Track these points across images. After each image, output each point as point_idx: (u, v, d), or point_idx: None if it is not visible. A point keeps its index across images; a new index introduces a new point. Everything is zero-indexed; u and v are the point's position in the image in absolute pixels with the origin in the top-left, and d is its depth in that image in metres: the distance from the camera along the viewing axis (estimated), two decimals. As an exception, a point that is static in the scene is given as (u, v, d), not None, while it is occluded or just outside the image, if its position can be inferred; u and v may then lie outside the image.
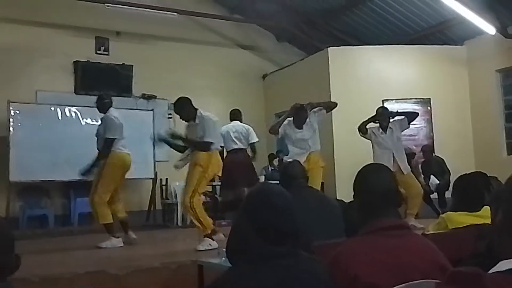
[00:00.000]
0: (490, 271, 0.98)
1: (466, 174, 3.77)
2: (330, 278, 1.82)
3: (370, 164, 2.26)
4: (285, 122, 6.73)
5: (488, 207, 2.92)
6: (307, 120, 6.62)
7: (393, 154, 7.11)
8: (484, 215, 3.16)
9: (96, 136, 6.12)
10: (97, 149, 6.03)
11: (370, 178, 2.08)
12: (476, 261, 1.55)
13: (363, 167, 2.15)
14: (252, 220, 1.79)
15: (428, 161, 8.73)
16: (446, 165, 8.65)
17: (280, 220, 1.78)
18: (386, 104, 9.39)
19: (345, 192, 4.64)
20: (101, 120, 6.16)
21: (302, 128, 6.62)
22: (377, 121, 7.34)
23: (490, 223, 2.74)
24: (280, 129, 6.76)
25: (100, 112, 6.15)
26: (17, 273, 1.59)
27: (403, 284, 1.71)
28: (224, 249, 1.94)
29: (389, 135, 7.22)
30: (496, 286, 0.87)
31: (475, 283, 0.88)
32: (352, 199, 2.37)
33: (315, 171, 6.49)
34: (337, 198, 5.29)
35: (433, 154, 8.97)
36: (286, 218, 1.80)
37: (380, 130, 7.27)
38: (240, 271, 1.76)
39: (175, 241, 7.02)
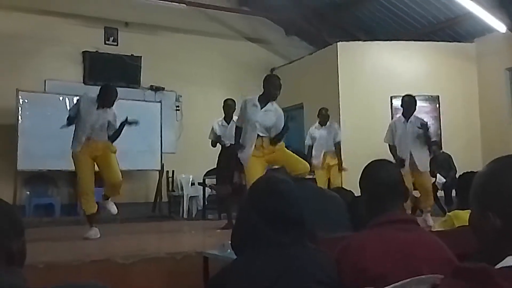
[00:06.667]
0: (497, 266, 0.98)
1: (470, 172, 3.75)
2: (337, 269, 1.82)
3: (376, 160, 2.28)
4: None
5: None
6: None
7: (410, 152, 6.87)
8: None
9: (99, 126, 5.74)
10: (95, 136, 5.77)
11: (377, 172, 2.09)
12: (482, 256, 1.55)
13: (369, 163, 2.18)
14: (258, 207, 1.79)
15: (435, 157, 8.69)
16: (453, 161, 8.61)
17: (286, 206, 1.78)
18: (394, 101, 9.37)
19: (352, 188, 4.62)
20: (104, 109, 5.76)
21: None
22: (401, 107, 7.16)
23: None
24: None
25: (109, 106, 5.76)
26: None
27: (410, 278, 1.71)
28: (229, 242, 1.93)
29: (409, 128, 6.97)
30: (504, 280, 0.86)
31: (483, 277, 0.87)
32: (360, 195, 2.36)
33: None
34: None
35: (441, 151, 8.94)
36: (292, 204, 1.80)
37: (403, 119, 7.11)
38: (245, 259, 1.76)
39: (180, 232, 7.04)
